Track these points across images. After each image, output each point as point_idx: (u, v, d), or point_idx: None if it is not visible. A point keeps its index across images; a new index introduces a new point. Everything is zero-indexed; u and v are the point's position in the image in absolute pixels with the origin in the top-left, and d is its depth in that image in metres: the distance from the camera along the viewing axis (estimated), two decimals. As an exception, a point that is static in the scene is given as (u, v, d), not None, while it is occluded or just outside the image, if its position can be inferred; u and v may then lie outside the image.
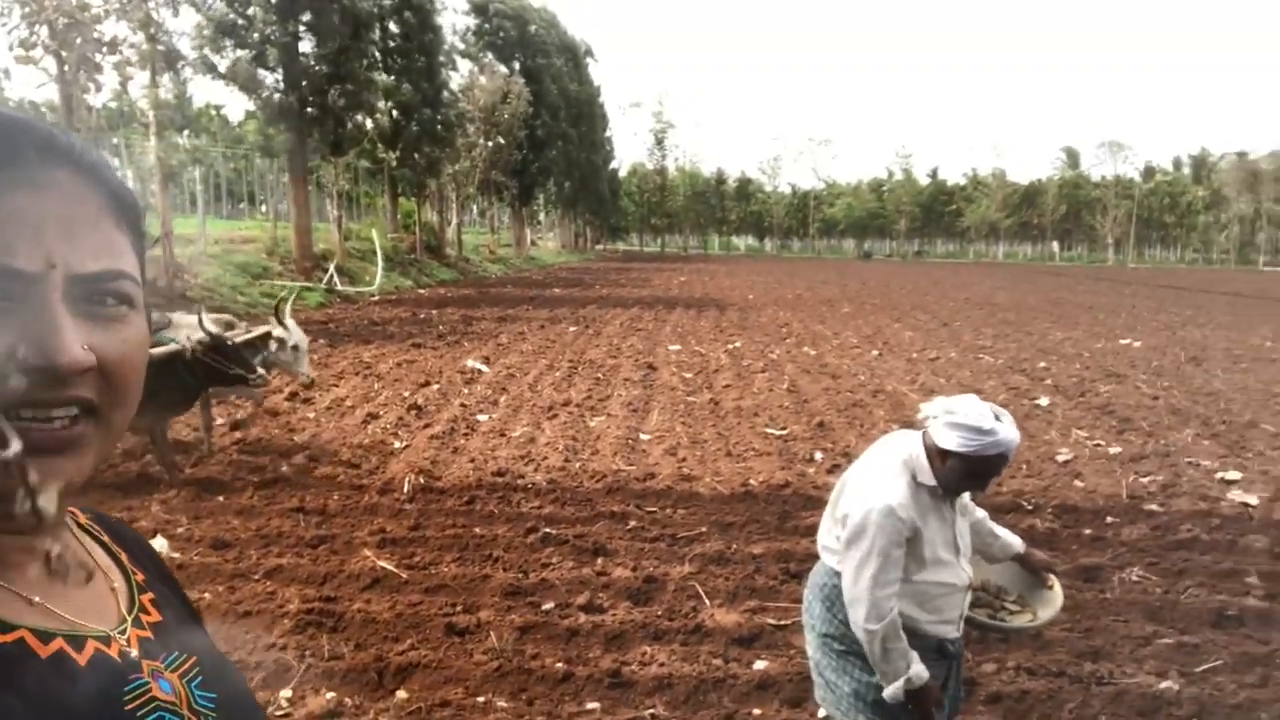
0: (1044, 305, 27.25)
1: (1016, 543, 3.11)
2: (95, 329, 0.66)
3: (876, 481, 2.72)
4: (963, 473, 2.64)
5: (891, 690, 2.63)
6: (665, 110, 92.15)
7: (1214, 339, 18.38)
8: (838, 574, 2.85)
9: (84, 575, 0.75)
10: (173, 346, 6.42)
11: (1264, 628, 4.79)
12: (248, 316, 17.95)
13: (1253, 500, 6.98)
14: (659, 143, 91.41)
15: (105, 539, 0.84)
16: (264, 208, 36.42)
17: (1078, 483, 7.48)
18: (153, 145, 18.35)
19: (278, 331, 7.46)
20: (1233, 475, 7.68)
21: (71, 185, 0.67)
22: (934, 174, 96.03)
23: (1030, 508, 6.79)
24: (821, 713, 3.10)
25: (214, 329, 6.61)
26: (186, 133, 21.84)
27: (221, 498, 6.60)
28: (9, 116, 0.66)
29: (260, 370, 6.89)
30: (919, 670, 2.62)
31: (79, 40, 15.39)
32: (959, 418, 2.60)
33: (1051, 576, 3.12)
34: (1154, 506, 6.85)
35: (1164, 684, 4.14)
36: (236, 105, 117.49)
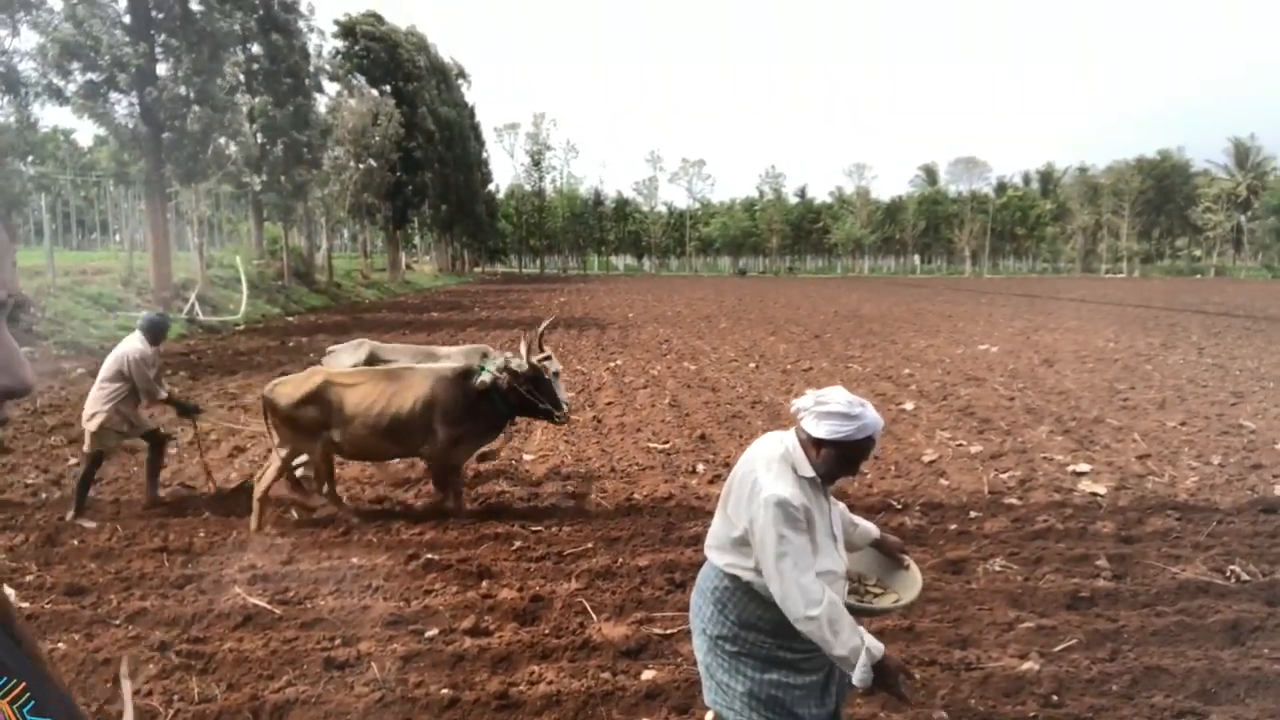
0: (907, 316, 28.50)
1: (873, 529, 3.26)
2: None
3: (763, 480, 2.80)
4: (837, 459, 2.79)
5: (860, 674, 2.62)
6: (541, 132, 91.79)
7: (1063, 342, 19.63)
8: (728, 575, 2.92)
9: None
10: (488, 377, 6.34)
11: (1112, 606, 5.14)
12: (102, 350, 16.99)
13: (1101, 490, 7.48)
14: (536, 164, 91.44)
15: None
16: (118, 237, 34.54)
17: (943, 481, 7.85)
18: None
19: (526, 350, 6.75)
20: (1083, 468, 8.21)
21: None
22: (802, 193, 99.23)
23: (899, 506, 7.08)
24: (709, 715, 3.15)
25: (534, 360, 6.43)
26: (31, 159, 20.44)
27: (76, 541, 6.21)
28: None
29: (564, 403, 6.64)
30: (873, 642, 2.66)
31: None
32: (829, 407, 2.75)
33: (906, 558, 3.26)
34: (1013, 500, 7.25)
35: (1025, 665, 4.39)
36: (87, 130, 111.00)
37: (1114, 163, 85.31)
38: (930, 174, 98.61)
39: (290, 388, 6.56)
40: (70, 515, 6.67)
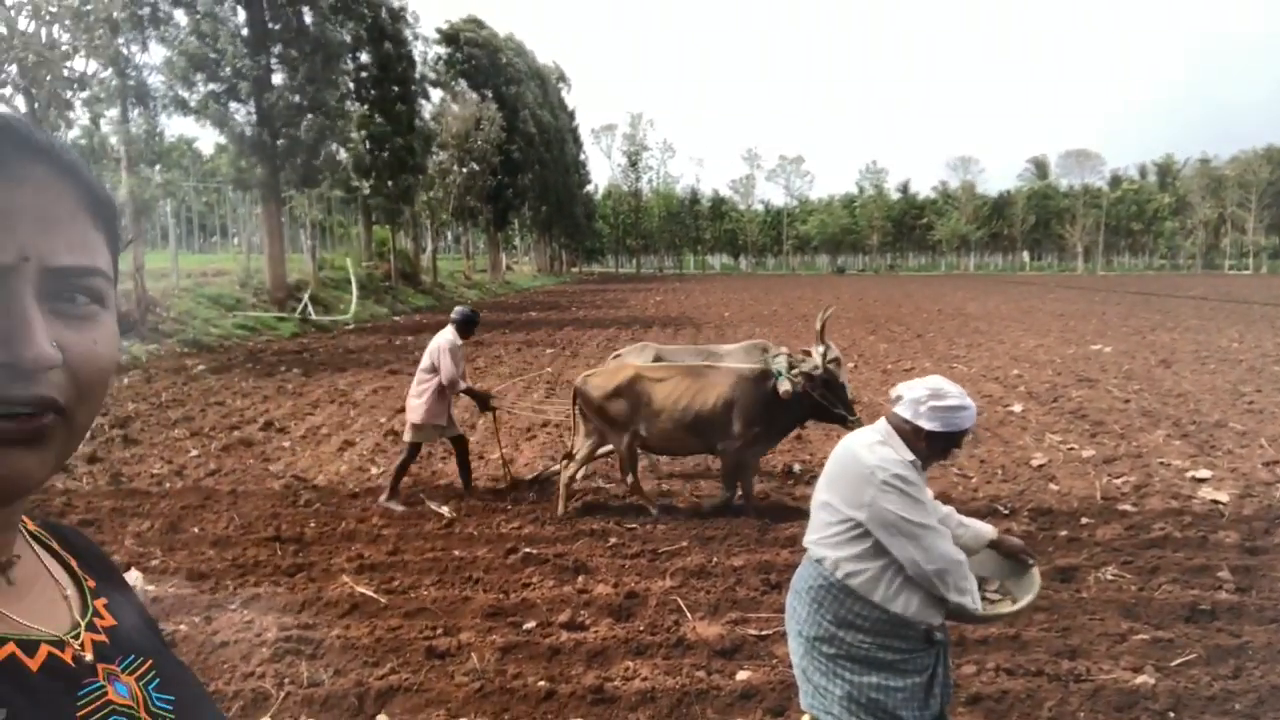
0: (1015, 314, 27.55)
1: (988, 530, 3.18)
2: (65, 327, 0.66)
3: (871, 462, 2.79)
4: (943, 447, 2.85)
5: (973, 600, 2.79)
6: (638, 132, 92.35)
7: (1182, 342, 18.65)
8: (825, 574, 2.89)
9: (35, 579, 0.75)
10: (788, 385, 6.40)
11: (1236, 620, 4.86)
12: (221, 348, 17.87)
13: (1223, 498, 7.08)
14: (633, 165, 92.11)
15: (55, 546, 0.83)
16: (237, 240, 36.28)
17: (1053, 486, 7.56)
18: (124, 180, 18.26)
19: (821, 354, 6.66)
20: (1203, 474, 7.79)
21: (48, 182, 0.66)
22: (904, 189, 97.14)
23: (1006, 511, 6.85)
24: (806, 719, 3.10)
25: (830, 362, 6.49)
26: (158, 167, 21.66)
27: (196, 529, 6.54)
28: None
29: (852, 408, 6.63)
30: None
31: (49, 77, 15.33)
32: (944, 401, 2.78)
33: (1030, 558, 3.16)
34: (1127, 507, 6.93)
35: (1140, 679, 4.19)
36: (208, 139, 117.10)
37: (1239, 153, 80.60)
38: (1040, 167, 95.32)
39: (602, 380, 6.85)
40: (384, 498, 7.08)
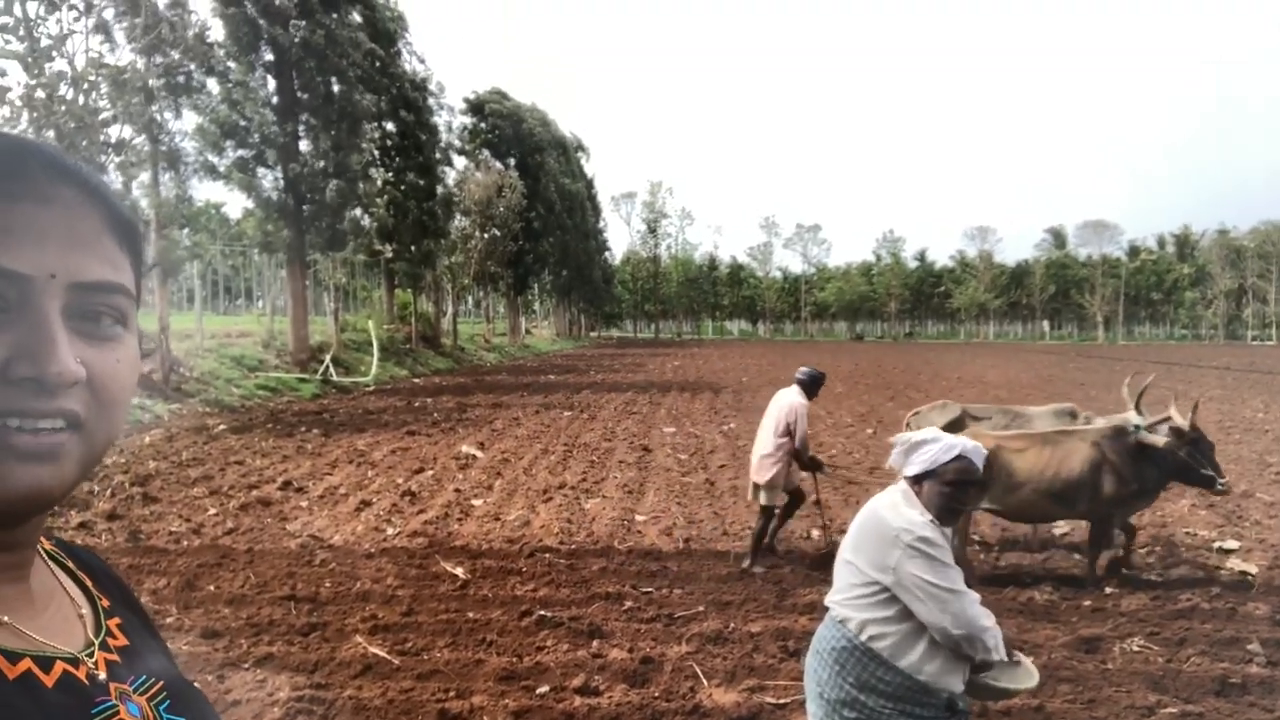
0: (1036, 382, 27.40)
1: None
2: (88, 346, 0.68)
3: (895, 524, 2.78)
4: (939, 490, 2.81)
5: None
6: (657, 199, 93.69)
7: (1206, 412, 18.43)
8: (849, 636, 2.85)
9: (50, 597, 0.76)
10: (1159, 439, 6.33)
11: (1268, 695, 4.72)
12: (243, 408, 18.00)
13: (1251, 569, 6.94)
14: (651, 231, 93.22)
15: (70, 565, 0.84)
16: (261, 303, 36.81)
17: (1076, 555, 7.44)
18: (153, 242, 18.66)
19: (1177, 420, 6.57)
20: (1230, 544, 7.65)
21: (76, 202, 0.69)
22: (922, 257, 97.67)
23: (1029, 580, 6.73)
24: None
25: (1188, 422, 6.38)
26: (186, 230, 22.15)
27: (212, 587, 6.53)
28: (18, 138, 0.69)
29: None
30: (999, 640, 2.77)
31: (85, 143, 15.79)
32: (914, 437, 2.88)
33: (1017, 654, 3.07)
34: (1153, 577, 6.81)
35: (1170, 754, 4.07)
36: (236, 203, 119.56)
37: (1260, 223, 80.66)
38: (1058, 237, 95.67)
39: None
40: (746, 564, 7.02)
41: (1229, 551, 7.47)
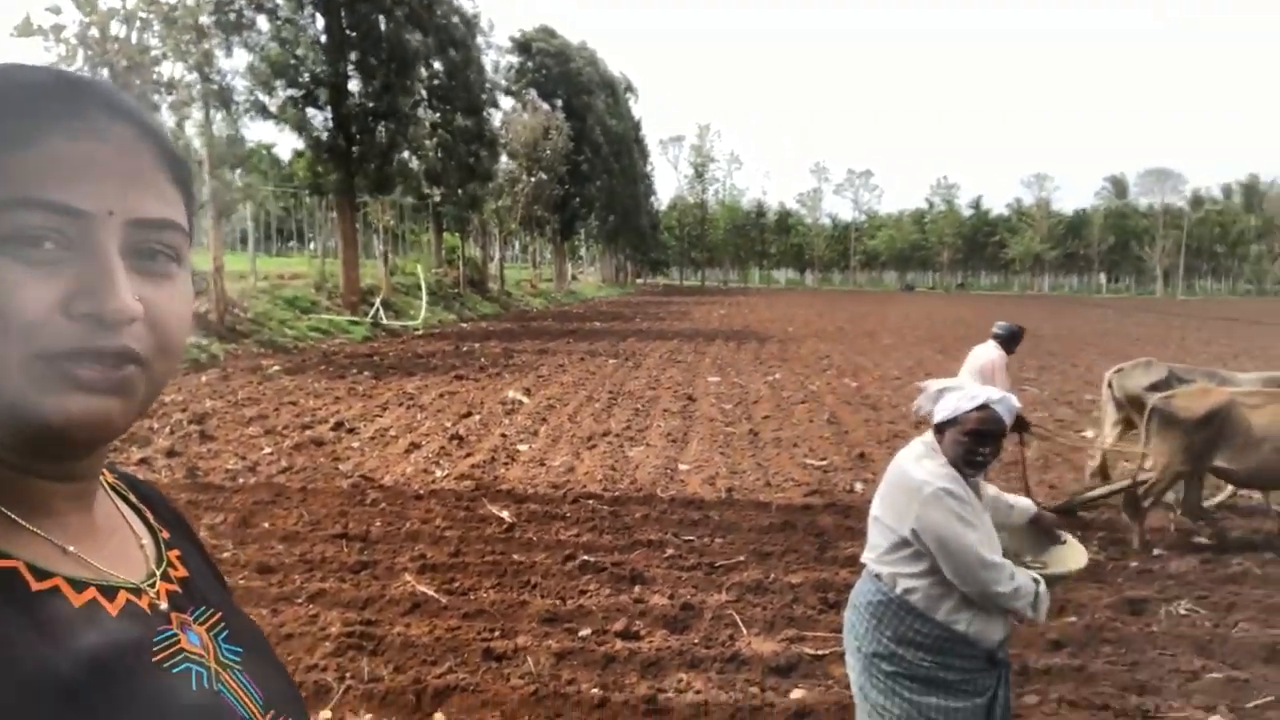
0: (1091, 337, 26.85)
1: (1030, 506, 3.15)
2: (145, 283, 0.68)
3: (918, 477, 2.77)
4: (960, 438, 2.77)
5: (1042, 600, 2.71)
6: (705, 144, 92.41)
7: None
8: (885, 589, 2.85)
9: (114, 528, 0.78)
10: None
11: (1319, 663, 4.66)
12: (296, 349, 18.36)
13: (1309, 533, 6.79)
14: (699, 176, 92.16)
15: (132, 498, 0.86)
16: (312, 245, 37.23)
17: (1124, 515, 7.33)
18: (206, 183, 18.92)
19: None
20: (1287, 508, 7.48)
21: (132, 140, 0.69)
22: (977, 205, 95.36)
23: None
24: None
25: None
26: (239, 171, 22.40)
27: (267, 524, 6.74)
28: (74, 75, 0.70)
29: None
30: (1025, 582, 2.69)
31: (138, 82, 15.95)
32: (937, 385, 2.89)
33: (1064, 533, 3.10)
34: (1203, 540, 6.70)
35: (1213, 719, 4.05)
36: (286, 145, 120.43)
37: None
38: (1118, 185, 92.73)
39: (1190, 403, 6.33)
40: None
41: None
